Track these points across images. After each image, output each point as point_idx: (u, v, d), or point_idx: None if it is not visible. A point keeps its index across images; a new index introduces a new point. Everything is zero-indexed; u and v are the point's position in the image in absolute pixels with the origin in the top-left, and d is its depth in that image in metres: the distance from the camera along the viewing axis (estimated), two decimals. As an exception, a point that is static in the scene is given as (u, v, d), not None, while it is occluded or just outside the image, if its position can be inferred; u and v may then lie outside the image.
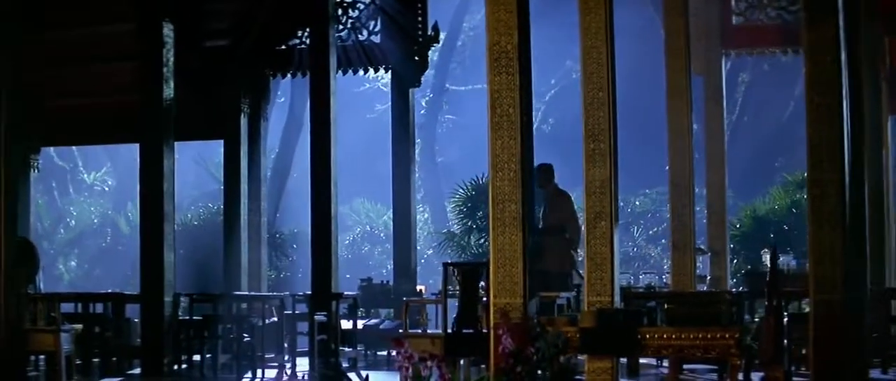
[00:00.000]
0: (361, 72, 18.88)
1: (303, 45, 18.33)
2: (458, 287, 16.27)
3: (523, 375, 7.39)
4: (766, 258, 17.19)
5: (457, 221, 23.53)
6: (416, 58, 18.37)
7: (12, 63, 11.31)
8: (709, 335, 9.92)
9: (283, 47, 18.51)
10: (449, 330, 10.04)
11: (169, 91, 13.51)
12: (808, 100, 9.93)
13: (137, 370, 14.00)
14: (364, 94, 38.51)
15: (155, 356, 13.38)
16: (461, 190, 23.37)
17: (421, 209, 34.98)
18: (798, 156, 32.80)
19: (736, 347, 9.97)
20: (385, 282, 18.21)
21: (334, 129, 16.24)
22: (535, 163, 15.50)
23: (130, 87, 15.60)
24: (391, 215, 32.98)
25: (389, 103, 39.17)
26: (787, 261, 16.93)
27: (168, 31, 13.72)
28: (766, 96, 33.18)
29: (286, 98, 30.12)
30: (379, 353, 15.75)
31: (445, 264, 10.41)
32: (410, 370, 7.61)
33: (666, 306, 10.41)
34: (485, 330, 10.06)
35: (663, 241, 31.89)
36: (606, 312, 10.21)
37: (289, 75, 18.90)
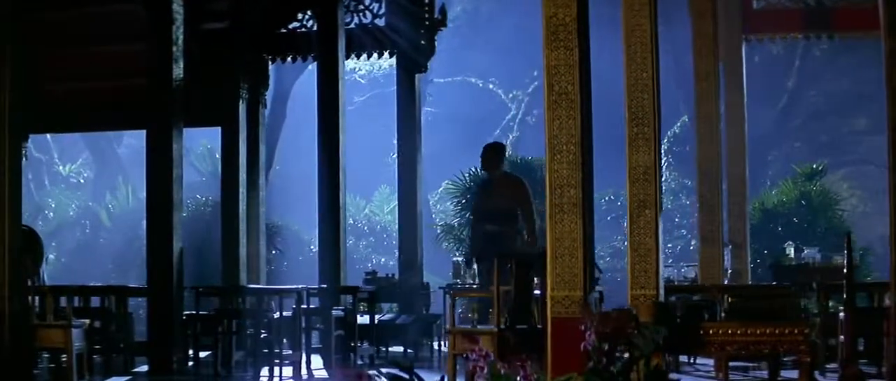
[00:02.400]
0: (365, 57, 18.13)
1: (303, 29, 17.58)
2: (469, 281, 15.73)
3: (617, 375, 6.65)
4: (790, 251, 16.62)
5: (454, 212, 22.93)
6: (423, 42, 17.62)
7: (15, 48, 10.54)
8: (777, 331, 9.32)
9: (283, 31, 17.72)
10: (502, 326, 9.25)
11: (178, 71, 12.72)
12: (888, 79, 9.30)
13: (144, 368, 13.16)
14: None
15: (163, 353, 12.54)
16: (459, 181, 22.79)
17: (403, 202, 34.20)
18: (789, 149, 32.44)
19: (805, 343, 9.35)
20: (390, 275, 17.46)
21: (343, 116, 15.55)
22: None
23: (132, 69, 14.91)
24: (371, 208, 32.83)
25: (368, 95, 38.69)
26: (811, 254, 16.33)
27: (177, 7, 12.92)
28: (756, 88, 32.61)
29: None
30: (392, 349, 14.98)
31: (498, 254, 9.67)
32: (486, 370, 6.89)
33: (729, 299, 9.80)
34: (539, 326, 9.34)
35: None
36: (665, 306, 9.57)
37: (289, 60, 18.11)
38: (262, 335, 12.58)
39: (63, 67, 16.44)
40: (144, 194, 28.31)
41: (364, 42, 17.47)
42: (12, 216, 10.39)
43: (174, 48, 12.64)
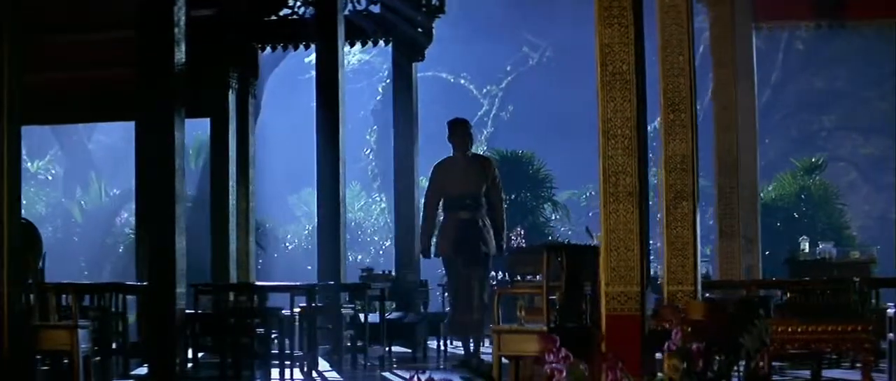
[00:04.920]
0: (360, 44, 17.47)
1: (295, 16, 16.87)
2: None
3: (717, 378, 6.02)
4: (805, 246, 16.14)
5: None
6: (421, 29, 16.96)
7: (14, 42, 9.85)
8: (840, 328, 8.79)
9: (274, 18, 17.01)
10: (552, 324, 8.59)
11: (180, 55, 11.97)
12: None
13: (142, 370, 12.41)
14: (312, 80, 36.93)
15: (164, 355, 11.76)
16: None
17: (376, 198, 33.68)
18: (765, 146, 31.98)
19: (869, 340, 8.81)
20: (386, 272, 16.78)
21: (343, 106, 14.90)
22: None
23: (119, 57, 14.24)
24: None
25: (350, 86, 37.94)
26: (826, 249, 15.84)
27: (181, -12, 12.18)
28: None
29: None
30: (395, 349, 14.28)
31: (547, 247, 9.01)
32: (564, 374, 6.24)
33: (788, 294, 9.26)
34: (589, 324, 8.70)
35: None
36: (719, 303, 8.99)
37: (280, 48, 17.41)
38: (273, 335, 11.89)
39: (43, 56, 15.67)
40: (117, 190, 27.59)
41: (359, 29, 16.78)
42: (12, 210, 9.65)
43: (176, 31, 11.90)
